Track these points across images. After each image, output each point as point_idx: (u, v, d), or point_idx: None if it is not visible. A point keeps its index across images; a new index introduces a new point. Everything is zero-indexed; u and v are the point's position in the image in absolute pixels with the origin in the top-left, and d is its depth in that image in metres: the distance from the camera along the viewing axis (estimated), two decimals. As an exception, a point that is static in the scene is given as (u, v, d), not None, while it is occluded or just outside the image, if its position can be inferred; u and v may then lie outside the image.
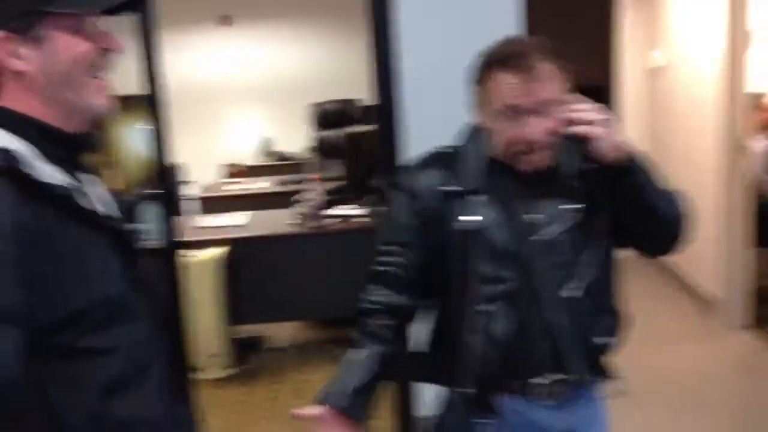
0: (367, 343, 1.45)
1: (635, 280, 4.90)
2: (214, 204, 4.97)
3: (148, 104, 2.60)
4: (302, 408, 1.37)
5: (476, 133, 1.46)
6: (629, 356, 1.65)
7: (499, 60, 1.35)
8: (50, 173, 0.95)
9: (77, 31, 1.00)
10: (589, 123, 1.32)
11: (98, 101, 1.03)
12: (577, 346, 1.43)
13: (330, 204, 4.10)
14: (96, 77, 1.03)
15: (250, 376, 3.81)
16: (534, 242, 1.40)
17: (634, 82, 5.66)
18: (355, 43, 5.82)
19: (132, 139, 2.69)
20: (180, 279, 2.90)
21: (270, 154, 7.04)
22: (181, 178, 5.95)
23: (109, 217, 1.05)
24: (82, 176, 1.05)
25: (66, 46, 0.99)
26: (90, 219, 0.99)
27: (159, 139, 2.63)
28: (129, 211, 2.68)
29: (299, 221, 3.91)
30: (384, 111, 2.60)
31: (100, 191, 1.09)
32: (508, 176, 1.42)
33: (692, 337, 4.03)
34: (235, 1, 6.96)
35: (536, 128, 1.34)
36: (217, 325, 3.74)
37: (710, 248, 4.14)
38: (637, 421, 3.03)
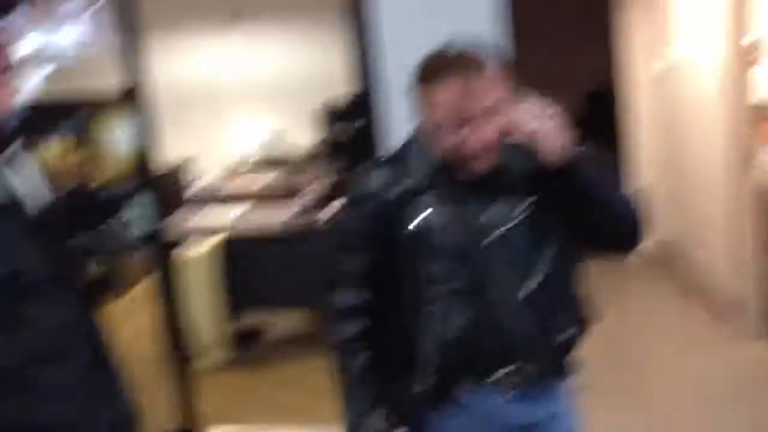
0: (352, 360, 1.50)
1: (645, 285, 4.89)
2: (217, 199, 5.06)
3: (134, 100, 2.65)
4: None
5: (423, 135, 1.46)
6: (638, 361, 1.63)
7: (433, 71, 1.36)
8: None
9: None
10: (530, 124, 1.30)
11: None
12: (535, 341, 1.44)
13: (329, 201, 4.16)
14: None
15: (249, 364, 3.89)
16: (484, 241, 1.41)
17: (640, 87, 5.51)
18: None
19: (119, 135, 2.75)
20: (171, 271, 2.98)
21: (277, 151, 7.10)
22: (187, 173, 6.09)
23: (16, 208, 1.11)
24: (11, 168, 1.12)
25: None
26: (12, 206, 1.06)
27: (144, 134, 2.68)
28: (114, 203, 2.75)
29: (296, 217, 3.98)
30: (363, 107, 2.63)
31: (29, 178, 1.15)
32: (455, 177, 1.43)
33: (704, 345, 3.90)
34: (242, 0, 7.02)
35: (474, 138, 1.34)
36: (216, 315, 3.84)
37: (722, 255, 4.06)
38: (645, 426, 3.01)
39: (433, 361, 1.45)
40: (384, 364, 1.53)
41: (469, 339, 1.42)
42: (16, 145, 1.19)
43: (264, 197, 5.04)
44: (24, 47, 5.69)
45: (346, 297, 1.51)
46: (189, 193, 5.62)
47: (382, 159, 1.55)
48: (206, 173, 6.38)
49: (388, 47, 2.49)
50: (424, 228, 1.42)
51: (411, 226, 1.42)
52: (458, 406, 1.49)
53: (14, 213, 1.10)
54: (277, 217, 4.08)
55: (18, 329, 1.06)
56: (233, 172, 6.72)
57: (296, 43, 7.26)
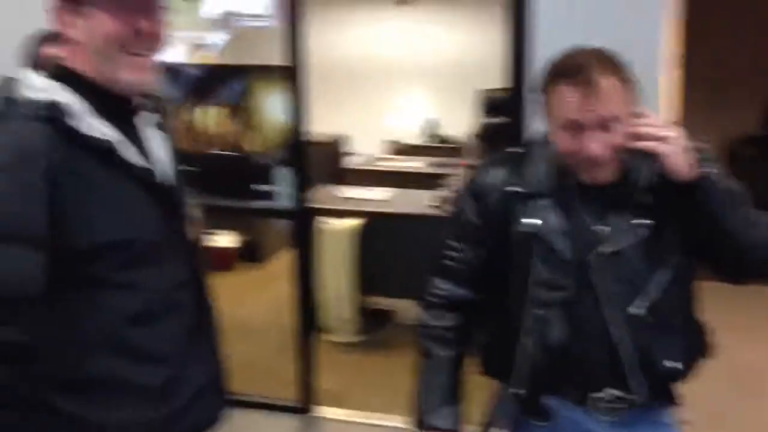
0: (435, 350, 1.52)
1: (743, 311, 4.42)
2: (366, 177, 5.16)
3: (289, 75, 2.74)
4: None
5: (546, 138, 1.43)
6: (729, 395, 1.55)
7: (560, 73, 1.33)
8: (96, 126, 1.09)
9: (115, 12, 1.12)
10: (657, 138, 1.27)
11: (130, 76, 1.15)
12: (639, 365, 1.38)
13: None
14: (136, 54, 1.14)
15: (374, 345, 3.94)
16: (597, 254, 1.37)
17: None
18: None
19: (272, 107, 2.86)
20: (311, 243, 3.07)
21: (433, 135, 7.12)
22: (341, 149, 6.26)
23: (148, 171, 1.16)
24: (140, 132, 1.18)
25: (100, 23, 1.12)
26: (127, 169, 1.12)
27: (296, 108, 2.77)
28: (263, 172, 2.88)
29: (439, 204, 3.96)
30: (514, 101, 2.56)
31: (158, 148, 1.21)
32: (575, 184, 1.40)
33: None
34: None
35: (595, 144, 1.30)
36: (349, 292, 3.90)
37: None
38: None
39: (532, 365, 1.42)
40: (479, 362, 1.54)
41: (569, 348, 1.39)
42: (153, 112, 1.25)
43: (412, 181, 5.07)
44: (208, 9, 6.12)
45: (451, 287, 1.52)
46: (340, 168, 5.77)
47: (505, 155, 1.52)
48: (360, 150, 6.52)
49: (542, 44, 2.41)
50: (537, 231, 1.40)
51: (523, 227, 1.40)
52: (552, 421, 1.45)
53: (140, 178, 1.15)
54: (422, 201, 4.08)
55: (123, 293, 1.12)
56: (386, 153, 6.83)
57: (460, 30, 7.21)
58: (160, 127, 1.25)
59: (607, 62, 1.32)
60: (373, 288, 4.01)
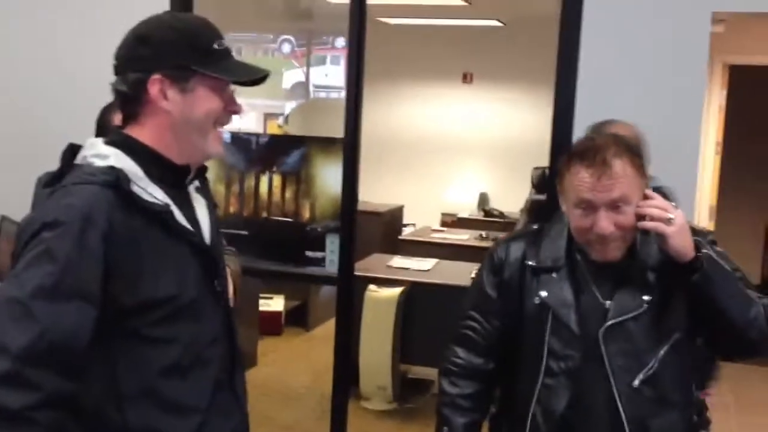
0: (452, 417, 1.59)
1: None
2: (416, 247, 5.26)
3: (345, 147, 2.89)
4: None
5: (562, 216, 1.53)
6: None
7: (576, 154, 1.44)
8: (151, 191, 1.20)
9: (216, 90, 1.25)
10: (661, 219, 1.35)
11: (215, 147, 1.28)
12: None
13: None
14: (217, 128, 1.28)
15: (409, 414, 3.95)
16: (604, 329, 1.44)
17: None
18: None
19: (328, 176, 3.02)
20: (352, 309, 3.16)
21: (484, 209, 7.21)
22: (401, 219, 6.40)
23: (195, 235, 1.27)
24: (189, 199, 1.30)
25: (205, 100, 1.23)
26: (177, 233, 1.22)
27: (348, 178, 2.91)
28: (313, 239, 3.02)
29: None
30: (552, 179, 2.65)
31: (203, 214, 1.32)
32: (586, 260, 1.49)
33: None
34: (477, 59, 7.31)
35: (605, 223, 1.39)
36: (388, 360, 3.96)
37: None
38: None
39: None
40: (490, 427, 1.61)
41: (571, 417, 1.46)
42: (200, 178, 1.36)
43: (460, 252, 5.14)
44: (285, 80, 6.41)
45: (468, 356, 1.60)
46: (395, 237, 5.89)
47: (525, 231, 1.65)
48: (419, 222, 6.66)
49: (584, 125, 2.53)
50: (550, 304, 1.48)
51: (537, 300, 1.50)
52: None
53: (188, 240, 1.24)
54: (464, 273, 4.14)
55: (161, 346, 1.20)
56: (442, 224, 6.93)
57: (517, 108, 7.38)
58: (201, 191, 1.35)
59: (622, 146, 1.42)
60: (411, 356, 4.06)
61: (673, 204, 1.40)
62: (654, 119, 2.29)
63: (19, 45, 3.13)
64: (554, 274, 1.49)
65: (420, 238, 5.72)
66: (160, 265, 1.19)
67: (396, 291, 3.95)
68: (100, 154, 1.20)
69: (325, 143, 3.07)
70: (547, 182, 3.09)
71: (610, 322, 1.44)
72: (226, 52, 1.27)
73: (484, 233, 5.68)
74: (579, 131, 2.54)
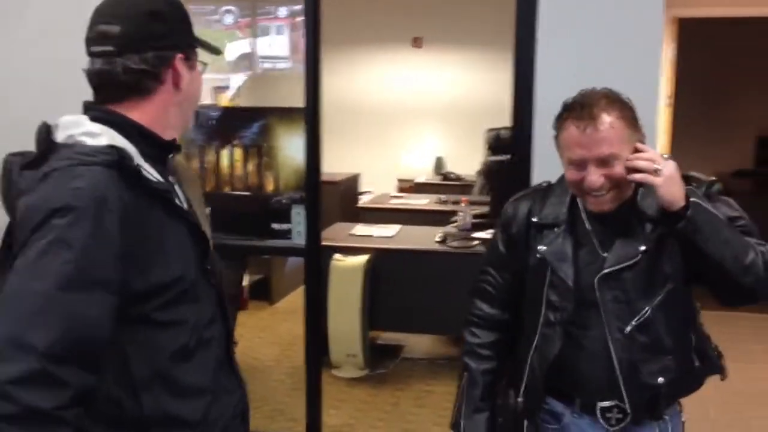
0: (471, 364, 1.70)
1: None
2: (377, 214, 5.26)
3: (306, 116, 2.86)
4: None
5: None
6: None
7: (569, 110, 1.47)
8: (149, 170, 1.17)
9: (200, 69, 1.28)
10: (651, 171, 1.39)
11: (192, 124, 1.28)
12: (631, 379, 1.51)
13: (477, 227, 4.21)
14: None
15: (380, 380, 3.99)
16: (598, 277, 1.51)
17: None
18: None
19: (289, 147, 2.98)
20: (322, 279, 3.16)
21: (441, 173, 7.25)
22: (358, 187, 6.38)
23: (191, 214, 1.25)
24: (170, 176, 1.27)
25: (198, 76, 1.26)
26: (177, 213, 1.20)
27: (311, 148, 2.88)
28: (277, 211, 2.99)
29: (443, 240, 4.06)
30: (518, 140, 2.67)
31: (180, 191, 1.29)
32: (587, 215, 1.55)
33: None
34: (426, 23, 7.28)
35: (594, 177, 1.44)
36: (357, 327, 3.98)
37: None
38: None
39: (537, 378, 1.59)
40: (504, 374, 1.70)
41: (567, 364, 1.55)
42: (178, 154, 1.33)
43: (420, 218, 5.17)
44: (229, 53, 6.27)
45: (485, 307, 1.70)
46: (353, 206, 5.88)
47: (532, 189, 1.72)
48: (376, 189, 6.65)
49: (544, 86, 2.55)
50: (548, 258, 1.56)
51: (538, 255, 1.57)
52: (560, 425, 1.61)
53: (186, 220, 1.22)
54: (428, 238, 4.17)
55: (168, 330, 1.17)
56: (399, 190, 6.95)
57: (470, 71, 7.39)
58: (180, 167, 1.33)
59: (613, 101, 1.45)
60: (379, 323, 4.09)
61: (664, 155, 1.42)
62: (614, 76, 2.31)
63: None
64: (555, 230, 1.56)
65: (380, 205, 5.72)
66: (165, 247, 1.16)
67: (362, 259, 3.95)
68: (90, 132, 1.14)
69: (285, 114, 3.02)
70: (509, 143, 3.10)
71: (605, 271, 1.50)
72: None
73: (443, 197, 5.72)
74: (540, 89, 2.56)
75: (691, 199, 1.39)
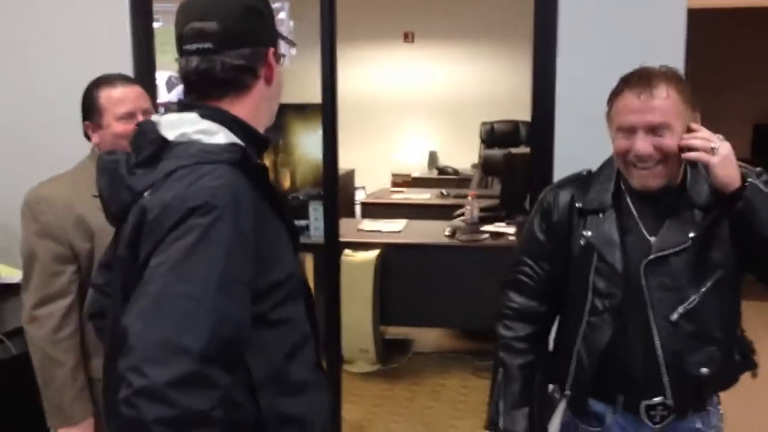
0: (507, 360, 1.63)
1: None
2: (378, 209, 5.27)
3: (323, 113, 2.85)
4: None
5: (611, 160, 1.57)
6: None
7: (624, 80, 1.46)
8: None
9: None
10: (706, 150, 1.38)
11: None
12: (674, 369, 1.48)
13: (484, 220, 4.23)
14: None
15: (393, 374, 4.01)
16: (645, 263, 1.48)
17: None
18: (529, 66, 5.87)
19: (307, 144, 2.98)
20: (338, 275, 3.15)
21: (437, 167, 7.28)
22: (354, 182, 6.37)
23: (287, 209, 1.23)
24: None
25: (280, 72, 1.24)
26: (279, 210, 1.18)
27: (329, 145, 2.87)
28: (295, 208, 2.99)
29: (452, 233, 4.08)
30: (537, 133, 2.68)
31: None
32: (633, 199, 1.52)
33: None
34: (418, 19, 7.29)
35: (642, 143, 1.42)
36: (369, 322, 3.98)
37: None
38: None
39: (579, 369, 1.55)
40: (543, 367, 1.64)
41: (613, 351, 1.50)
42: None
43: (422, 212, 5.18)
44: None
45: (521, 300, 1.64)
46: (350, 201, 5.88)
47: (570, 177, 1.66)
48: (369, 184, 6.65)
49: (563, 80, 2.54)
50: (594, 243, 1.52)
51: (582, 241, 1.54)
52: (602, 421, 1.57)
53: (283, 215, 1.19)
54: (437, 233, 4.19)
55: (280, 329, 1.15)
56: (395, 184, 6.95)
57: (461, 66, 7.41)
58: None
59: (672, 77, 1.43)
60: (390, 318, 4.09)
61: (719, 136, 1.41)
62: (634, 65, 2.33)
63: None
64: (600, 215, 1.52)
65: (380, 200, 5.72)
66: (280, 245, 1.15)
67: (372, 254, 3.95)
68: (206, 130, 1.12)
69: (301, 110, 3.01)
70: (529, 135, 3.11)
71: (652, 256, 1.47)
72: None
73: (444, 191, 5.74)
74: (561, 84, 2.57)
75: (748, 180, 1.38)
